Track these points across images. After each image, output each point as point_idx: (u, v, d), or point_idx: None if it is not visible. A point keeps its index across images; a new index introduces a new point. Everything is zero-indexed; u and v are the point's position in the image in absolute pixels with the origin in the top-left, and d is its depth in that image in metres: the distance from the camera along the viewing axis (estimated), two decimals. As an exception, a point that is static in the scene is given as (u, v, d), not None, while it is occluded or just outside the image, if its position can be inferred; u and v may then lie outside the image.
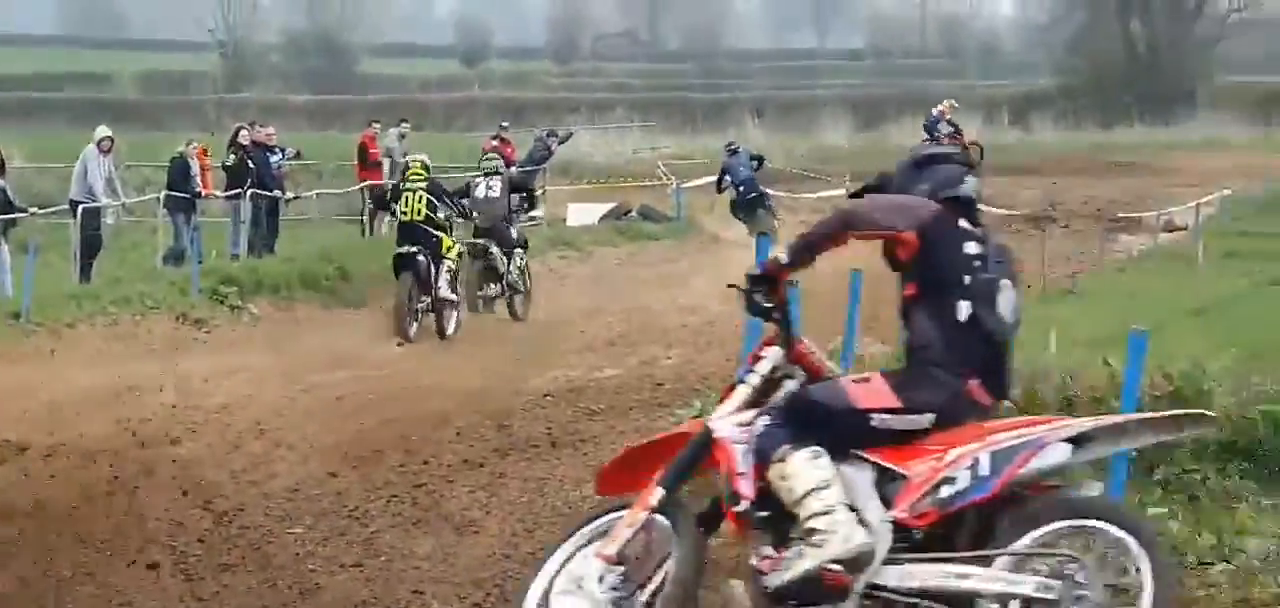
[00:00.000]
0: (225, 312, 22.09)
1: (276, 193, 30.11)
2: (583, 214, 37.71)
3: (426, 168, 22.51)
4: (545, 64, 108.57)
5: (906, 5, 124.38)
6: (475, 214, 22.96)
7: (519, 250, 22.96)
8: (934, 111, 37.58)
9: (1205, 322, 17.67)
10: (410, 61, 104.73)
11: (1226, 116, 74.29)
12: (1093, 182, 48.88)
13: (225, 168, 29.44)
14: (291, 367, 17.64)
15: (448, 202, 22.04)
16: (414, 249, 20.99)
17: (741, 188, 33.67)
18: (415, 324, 20.59)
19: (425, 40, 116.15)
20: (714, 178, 35.24)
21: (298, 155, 34.10)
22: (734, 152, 34.38)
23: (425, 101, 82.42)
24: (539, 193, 38.10)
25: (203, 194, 29.11)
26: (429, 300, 20.86)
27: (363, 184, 34.01)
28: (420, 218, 21.39)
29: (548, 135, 42.27)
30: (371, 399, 15.30)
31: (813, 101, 79.95)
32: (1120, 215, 36.58)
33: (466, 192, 23.12)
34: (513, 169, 37.91)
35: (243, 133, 29.86)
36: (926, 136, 34.51)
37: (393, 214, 23.11)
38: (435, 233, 21.35)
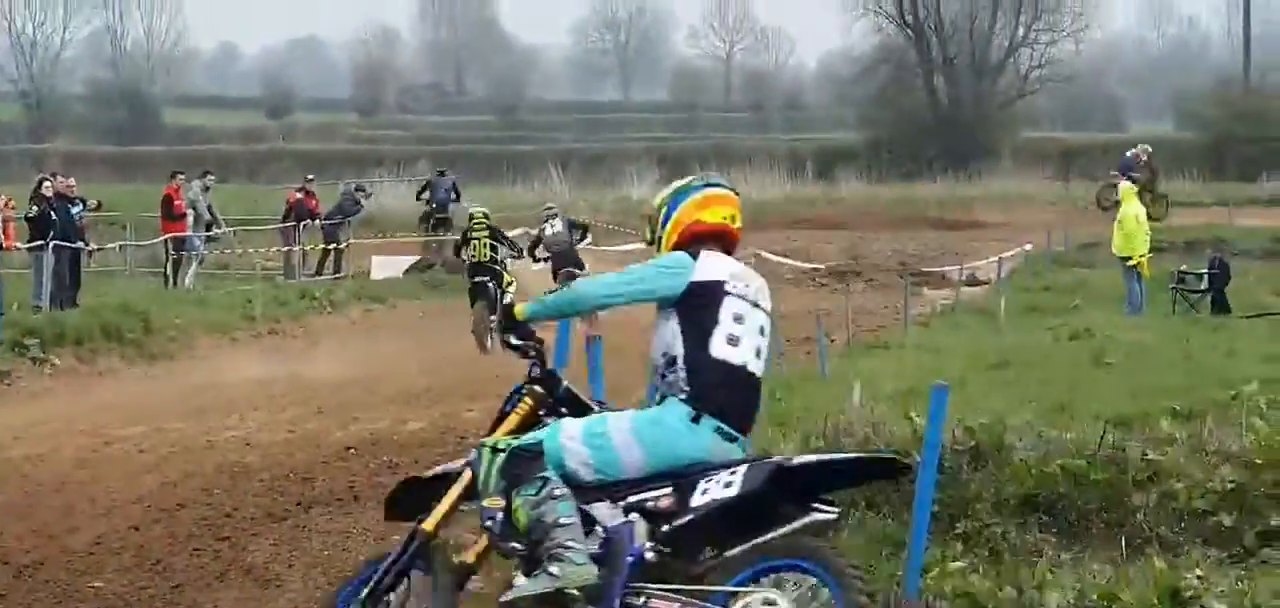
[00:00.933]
0: (27, 364, 21.92)
1: (78, 245, 29.57)
2: (387, 267, 37.43)
3: (486, 216, 27.65)
4: (350, 116, 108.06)
5: (711, 58, 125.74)
6: (546, 249, 28.44)
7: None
8: (1128, 154, 43.82)
9: (1006, 376, 17.84)
10: (215, 113, 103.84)
11: (1028, 172, 75.79)
12: (897, 236, 49.53)
13: (27, 219, 28.84)
14: (94, 419, 17.37)
15: (505, 243, 27.44)
16: (485, 279, 26.13)
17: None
18: (490, 338, 23.94)
19: (230, 92, 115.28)
20: (527, 231, 34.31)
21: (98, 206, 33.66)
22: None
23: (230, 153, 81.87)
24: (344, 246, 37.96)
25: (4, 246, 28.55)
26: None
27: (166, 236, 33.71)
28: (485, 258, 26.50)
29: (356, 189, 42.01)
30: (173, 452, 15.09)
31: (619, 153, 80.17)
32: (924, 269, 37.05)
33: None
34: (318, 220, 37.87)
35: (46, 184, 29.27)
36: (1118, 174, 35.94)
37: (463, 259, 27.51)
38: (498, 267, 26.52)
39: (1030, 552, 9.28)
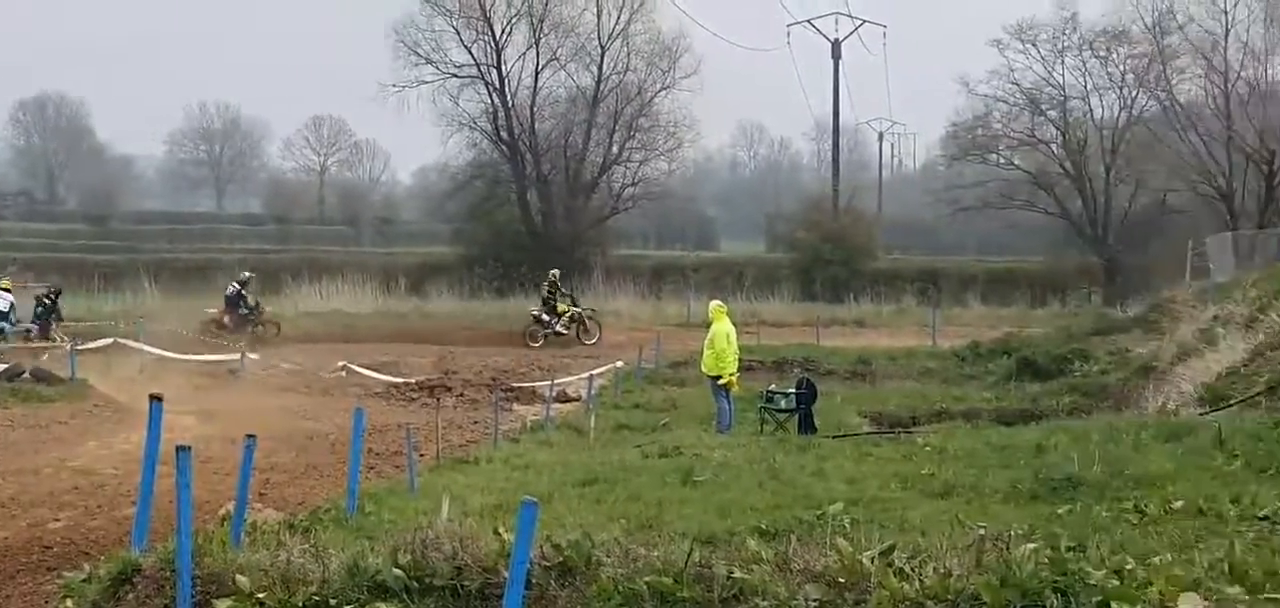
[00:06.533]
0: None
1: None
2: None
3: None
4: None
5: (306, 171, 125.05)
6: None
7: None
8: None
9: (596, 492, 17.85)
10: None
11: (620, 288, 77.06)
12: (489, 351, 49.61)
13: None
14: None
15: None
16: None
17: None
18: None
19: None
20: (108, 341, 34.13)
21: None
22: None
23: None
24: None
25: None
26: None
27: None
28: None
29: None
30: None
31: (212, 264, 78.78)
32: (515, 385, 37.07)
33: None
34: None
35: None
36: None
37: None
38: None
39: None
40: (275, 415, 29.16)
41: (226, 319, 52.15)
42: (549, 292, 55.40)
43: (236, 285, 53.75)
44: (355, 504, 15.42)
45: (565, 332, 54.28)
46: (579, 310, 55.75)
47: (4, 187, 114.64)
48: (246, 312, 52.79)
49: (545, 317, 54.58)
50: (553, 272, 57.98)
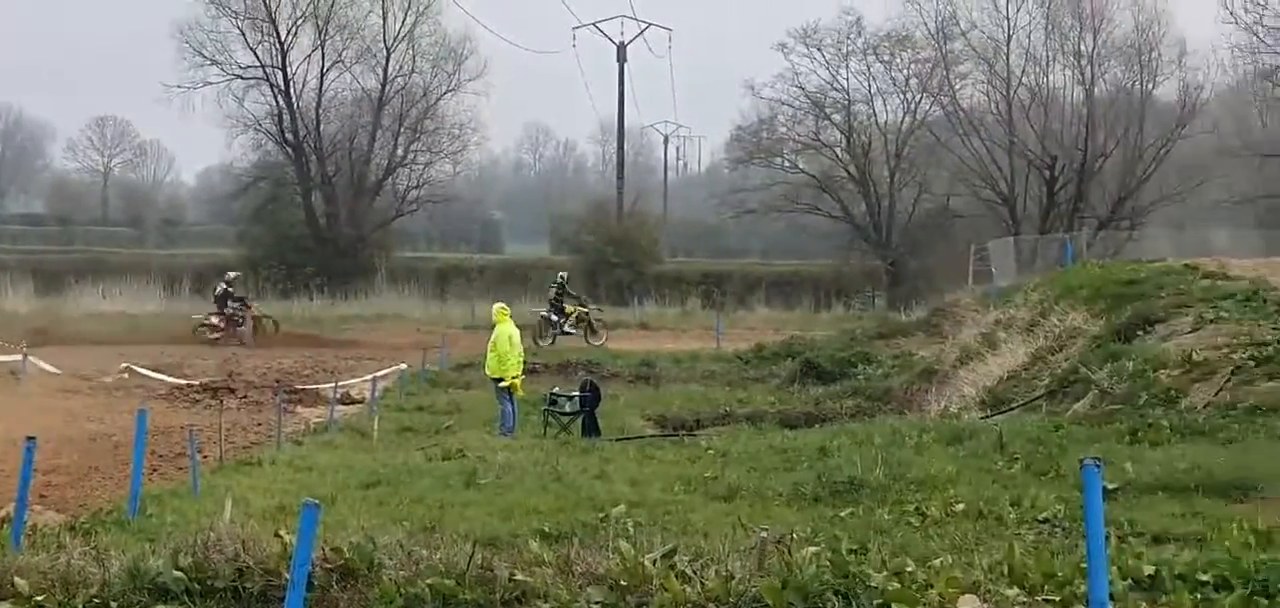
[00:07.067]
0: None
1: None
2: None
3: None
4: None
5: (89, 172, 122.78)
6: None
7: None
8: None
9: (379, 495, 17.78)
10: None
11: (405, 290, 76.72)
12: (272, 353, 49.08)
13: None
14: None
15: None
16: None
17: None
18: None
19: None
20: None
21: None
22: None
23: None
24: None
25: None
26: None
27: None
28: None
29: None
30: None
31: (-7, 267, 76.97)
32: (299, 387, 36.72)
33: None
34: None
35: None
36: None
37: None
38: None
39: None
40: (57, 417, 28.61)
41: (216, 320, 52.76)
42: (557, 293, 55.96)
43: (223, 285, 54.80)
44: (138, 507, 15.23)
45: (573, 332, 55.04)
46: (587, 311, 56.36)
47: None
48: (233, 310, 53.93)
49: (553, 317, 55.13)
50: (561, 274, 59.27)
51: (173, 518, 14.85)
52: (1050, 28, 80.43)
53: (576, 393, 30.87)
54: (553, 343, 53.34)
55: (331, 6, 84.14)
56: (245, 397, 35.40)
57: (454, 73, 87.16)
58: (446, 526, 14.03)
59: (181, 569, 9.56)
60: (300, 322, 58.66)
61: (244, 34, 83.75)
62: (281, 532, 10.19)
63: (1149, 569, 9.47)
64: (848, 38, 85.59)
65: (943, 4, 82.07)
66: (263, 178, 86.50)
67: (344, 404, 33.37)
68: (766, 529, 10.45)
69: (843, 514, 15.70)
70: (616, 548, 9.91)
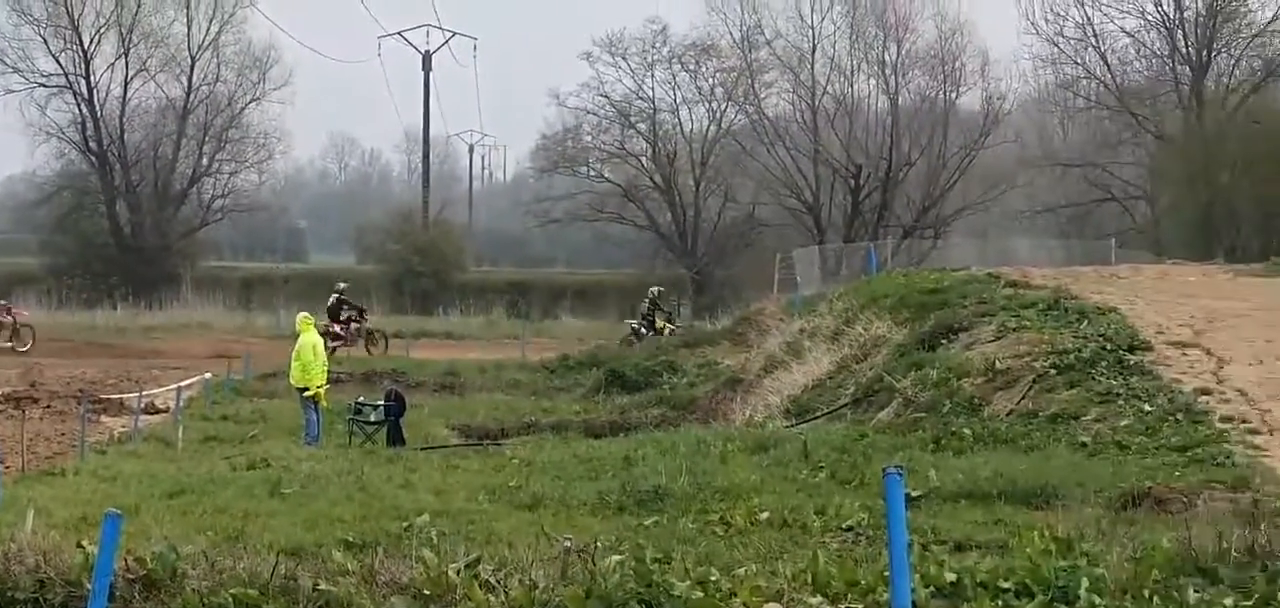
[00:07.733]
0: None
1: None
2: None
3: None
4: None
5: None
6: None
7: None
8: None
9: (183, 504, 17.73)
10: None
11: (209, 300, 75.89)
12: (75, 362, 48.39)
13: None
14: None
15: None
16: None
17: None
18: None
19: None
20: None
21: None
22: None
23: None
24: None
25: None
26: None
27: None
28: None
29: None
30: None
31: None
32: (103, 397, 36.26)
33: None
34: None
35: None
36: None
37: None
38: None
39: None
40: None
41: (337, 328, 52.40)
42: (650, 308, 55.08)
43: (335, 296, 54.58)
44: (-65, 520, 15.04)
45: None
46: (675, 328, 55.34)
47: None
48: (350, 316, 54.35)
49: (643, 331, 54.10)
50: (653, 289, 58.25)
51: (-29, 531, 14.70)
52: (855, 37, 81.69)
53: (381, 402, 30.82)
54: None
55: (135, 14, 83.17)
56: (49, 406, 34.88)
57: (259, 82, 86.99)
58: (250, 535, 14.07)
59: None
60: (105, 332, 57.73)
61: (46, 41, 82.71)
62: (84, 542, 10.17)
63: (951, 577, 9.49)
64: (653, 47, 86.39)
65: (748, 13, 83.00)
66: (66, 187, 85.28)
67: (148, 414, 33.03)
68: (570, 539, 10.55)
69: (647, 523, 15.92)
70: (420, 557, 9.99)
